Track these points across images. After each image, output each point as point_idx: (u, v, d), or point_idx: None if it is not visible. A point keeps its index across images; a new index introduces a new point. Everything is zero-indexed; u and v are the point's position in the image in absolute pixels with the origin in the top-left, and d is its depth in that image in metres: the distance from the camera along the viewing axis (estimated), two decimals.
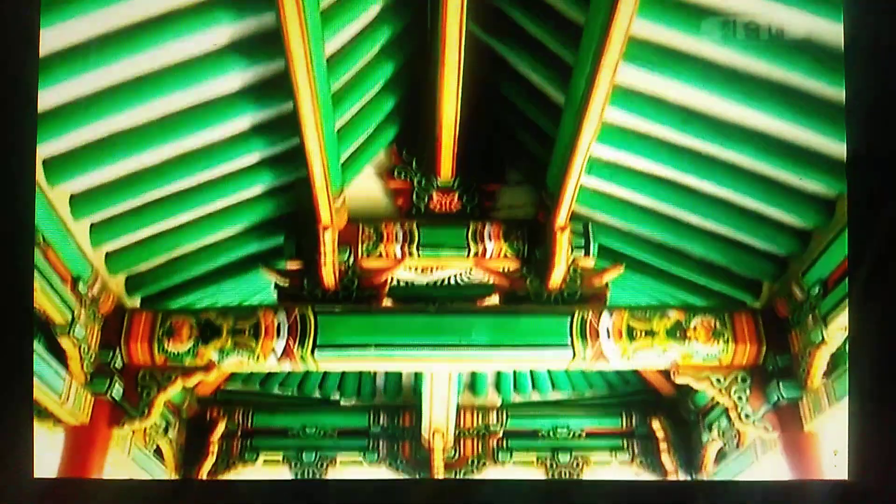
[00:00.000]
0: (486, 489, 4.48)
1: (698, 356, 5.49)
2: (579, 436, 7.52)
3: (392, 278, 5.89)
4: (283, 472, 7.34)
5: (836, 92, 4.02)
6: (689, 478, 6.91)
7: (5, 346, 3.43)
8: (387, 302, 5.81)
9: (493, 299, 5.94)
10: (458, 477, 7.25)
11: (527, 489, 4.29)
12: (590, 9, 4.18)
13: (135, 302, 5.77)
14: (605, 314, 5.57)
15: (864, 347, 3.49)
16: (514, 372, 7.58)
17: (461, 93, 5.02)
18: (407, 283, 6.06)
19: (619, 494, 4.10)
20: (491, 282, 5.92)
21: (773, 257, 5.40)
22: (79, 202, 4.92)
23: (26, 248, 3.66)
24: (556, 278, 5.67)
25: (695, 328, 5.50)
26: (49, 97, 4.17)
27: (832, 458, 4.97)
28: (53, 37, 3.89)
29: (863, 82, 3.56)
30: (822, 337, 4.95)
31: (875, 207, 3.55)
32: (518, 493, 4.03)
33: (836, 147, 4.33)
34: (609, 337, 5.50)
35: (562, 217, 5.40)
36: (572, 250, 5.67)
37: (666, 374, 5.91)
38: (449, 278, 6.12)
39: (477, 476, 7.37)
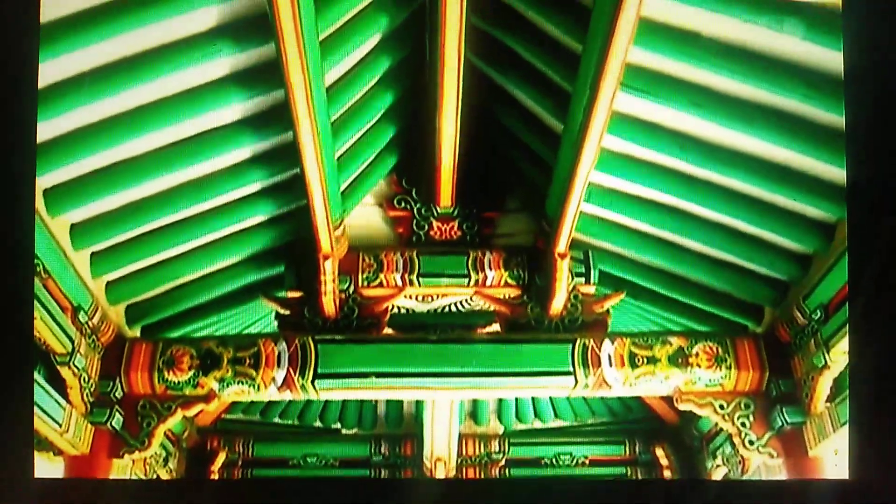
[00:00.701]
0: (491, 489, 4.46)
1: (701, 382, 5.48)
2: (582, 464, 7.49)
3: (393, 307, 5.89)
4: None
5: (834, 117, 4.05)
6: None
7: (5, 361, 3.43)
8: (388, 330, 5.80)
9: (494, 327, 5.93)
10: None
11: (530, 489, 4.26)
12: (587, 37, 4.21)
13: (135, 332, 5.77)
14: (607, 341, 5.56)
15: (864, 361, 3.48)
16: (516, 399, 7.56)
17: (460, 121, 5.05)
18: (408, 311, 6.05)
19: (620, 494, 4.07)
20: (492, 309, 5.92)
21: (774, 282, 5.40)
22: (79, 232, 4.93)
23: (26, 277, 3.66)
24: (557, 305, 5.66)
25: (697, 354, 5.48)
26: (50, 128, 4.20)
27: (833, 458, 4.96)
28: (54, 68, 3.92)
29: (862, 107, 3.58)
30: (825, 361, 4.94)
31: (875, 232, 3.56)
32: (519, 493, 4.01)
33: (835, 172, 4.34)
34: (611, 364, 5.49)
35: (562, 244, 5.41)
36: (573, 277, 5.67)
37: (669, 400, 5.89)
38: (450, 306, 6.12)
39: None
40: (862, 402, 3.46)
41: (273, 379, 5.49)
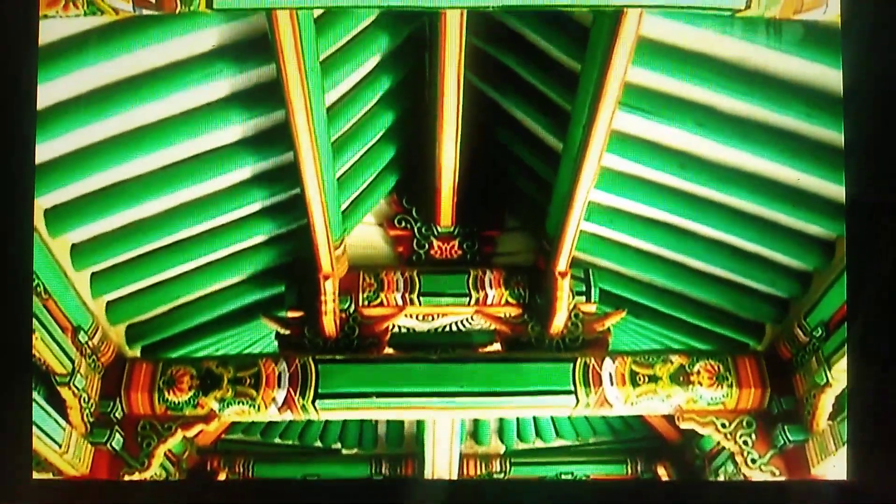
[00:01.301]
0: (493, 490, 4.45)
1: (703, 401, 5.46)
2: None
3: (393, 326, 5.88)
4: None
5: (833, 134, 4.06)
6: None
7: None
8: (388, 350, 5.79)
9: (495, 346, 5.92)
10: None
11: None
12: (586, 57, 4.24)
13: (135, 352, 5.75)
14: (608, 360, 5.55)
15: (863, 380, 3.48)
16: (517, 419, 7.53)
17: (460, 141, 5.07)
18: (408, 330, 6.04)
19: (621, 494, 4.06)
20: (492, 328, 5.91)
21: (775, 299, 5.39)
22: (80, 252, 4.93)
23: (26, 297, 3.67)
24: (558, 324, 5.65)
25: (698, 372, 5.47)
26: (51, 148, 4.22)
27: (832, 459, 4.94)
28: (54, 88, 3.94)
29: (861, 124, 3.60)
30: (826, 379, 4.93)
31: (874, 249, 3.56)
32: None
33: (835, 189, 4.35)
34: (612, 383, 5.47)
35: (562, 263, 5.41)
36: (573, 296, 5.67)
37: (671, 419, 5.87)
38: (450, 325, 6.11)
39: None
40: (859, 378, 3.46)
41: (273, 399, 5.47)
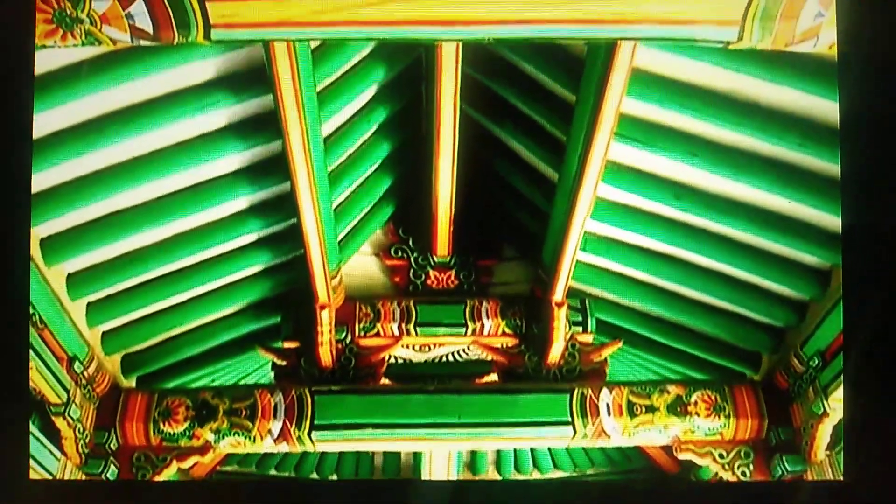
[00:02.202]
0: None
1: (700, 431, 5.43)
2: None
3: (390, 357, 5.87)
4: None
5: (829, 165, 4.08)
6: None
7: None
8: (385, 381, 5.77)
9: (492, 376, 5.90)
10: None
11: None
12: (580, 88, 4.27)
13: (130, 382, 5.73)
14: (605, 390, 5.52)
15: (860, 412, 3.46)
16: (515, 450, 7.49)
17: (456, 171, 5.09)
18: (405, 361, 6.03)
19: (622, 497, 4.03)
20: (489, 359, 5.90)
21: (771, 329, 5.39)
22: (75, 282, 4.93)
23: (22, 328, 3.66)
24: (555, 354, 5.64)
25: (695, 403, 5.45)
26: (47, 178, 4.23)
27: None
28: (51, 118, 3.96)
29: (857, 155, 3.62)
30: (824, 409, 4.91)
31: (871, 279, 3.57)
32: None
33: (829, 219, 4.37)
34: (609, 413, 5.45)
35: (559, 293, 5.41)
36: (570, 326, 5.66)
37: (668, 449, 5.84)
38: (447, 356, 6.09)
39: None
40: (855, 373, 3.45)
41: (269, 430, 5.45)
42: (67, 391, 4.96)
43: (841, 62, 3.49)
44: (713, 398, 5.45)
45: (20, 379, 3.66)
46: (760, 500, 3.92)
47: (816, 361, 4.95)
